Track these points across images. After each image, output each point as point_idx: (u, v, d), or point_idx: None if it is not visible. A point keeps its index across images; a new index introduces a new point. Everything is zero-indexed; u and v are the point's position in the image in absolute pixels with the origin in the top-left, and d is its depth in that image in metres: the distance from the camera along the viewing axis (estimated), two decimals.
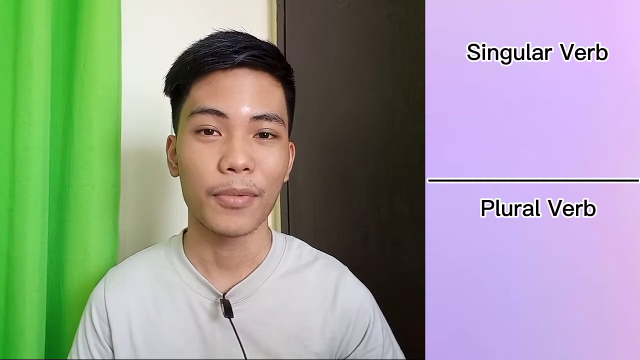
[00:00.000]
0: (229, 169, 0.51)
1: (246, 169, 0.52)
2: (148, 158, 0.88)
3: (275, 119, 0.54)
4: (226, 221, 0.52)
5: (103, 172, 0.71)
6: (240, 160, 0.51)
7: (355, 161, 0.85)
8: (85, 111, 0.71)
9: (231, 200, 0.52)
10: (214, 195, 0.52)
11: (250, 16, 1.02)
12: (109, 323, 0.59)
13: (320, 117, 0.92)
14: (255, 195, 0.53)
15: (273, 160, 0.54)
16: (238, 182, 0.51)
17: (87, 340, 0.59)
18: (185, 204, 0.59)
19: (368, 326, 0.60)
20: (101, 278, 0.69)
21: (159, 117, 0.87)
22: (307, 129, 0.90)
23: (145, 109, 0.86)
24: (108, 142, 0.72)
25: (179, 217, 0.90)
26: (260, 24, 1.02)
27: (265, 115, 0.53)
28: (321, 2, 0.94)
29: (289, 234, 0.68)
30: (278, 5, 1.02)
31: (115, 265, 0.72)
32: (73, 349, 0.61)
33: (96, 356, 0.59)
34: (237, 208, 0.52)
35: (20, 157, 0.66)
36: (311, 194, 0.94)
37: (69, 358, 0.61)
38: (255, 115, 0.53)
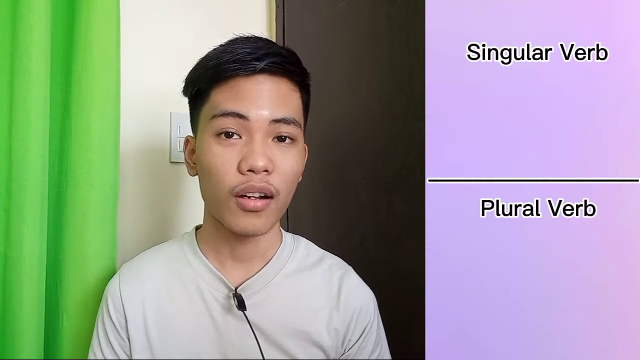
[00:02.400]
0: (249, 170, 0.54)
1: (265, 170, 0.54)
2: (147, 157, 0.88)
3: (293, 122, 0.57)
4: (245, 223, 0.55)
5: (101, 171, 0.71)
6: (260, 162, 0.53)
7: (354, 161, 0.85)
8: (83, 111, 0.70)
9: (251, 204, 0.54)
10: (235, 195, 0.54)
11: (249, 16, 1.01)
12: (124, 314, 0.60)
13: (320, 117, 0.92)
14: (272, 197, 0.55)
15: (290, 164, 0.57)
16: (257, 179, 0.54)
17: (107, 334, 0.61)
18: (202, 200, 0.61)
19: (367, 324, 0.62)
20: (99, 277, 0.69)
21: (158, 116, 0.87)
22: (306, 129, 0.89)
23: (144, 108, 0.85)
24: (106, 142, 0.71)
25: (177, 216, 0.90)
26: (259, 24, 1.02)
27: (284, 118, 0.56)
28: (320, 2, 0.94)
29: None
30: (277, 5, 1.02)
31: (114, 264, 0.72)
32: (93, 343, 0.62)
33: (117, 348, 0.60)
34: (256, 211, 0.55)
35: (18, 157, 0.65)
36: (310, 194, 0.94)
37: (90, 352, 0.62)
38: (275, 118, 0.55)
